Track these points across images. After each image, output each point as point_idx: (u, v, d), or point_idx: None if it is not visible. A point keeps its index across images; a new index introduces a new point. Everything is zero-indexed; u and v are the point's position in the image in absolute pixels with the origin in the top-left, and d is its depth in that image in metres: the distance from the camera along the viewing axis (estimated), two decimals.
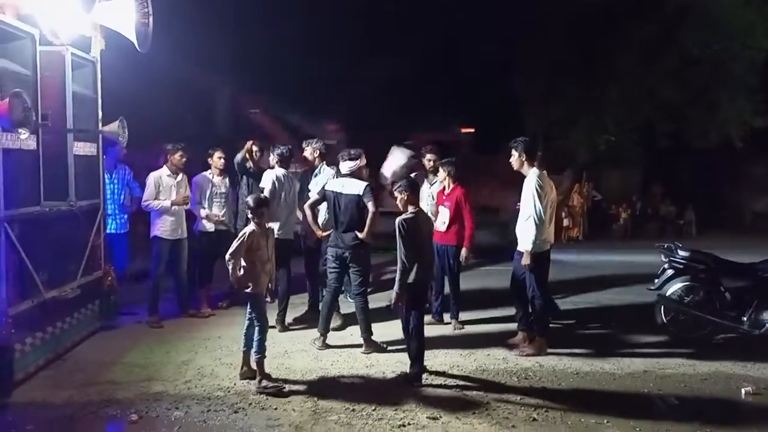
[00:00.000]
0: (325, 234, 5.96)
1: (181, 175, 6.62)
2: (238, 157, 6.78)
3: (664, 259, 6.11)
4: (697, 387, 4.84)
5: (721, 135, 13.72)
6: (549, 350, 5.51)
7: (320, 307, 5.92)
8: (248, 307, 4.83)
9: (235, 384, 4.77)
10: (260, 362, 4.69)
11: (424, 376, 4.88)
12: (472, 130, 13.96)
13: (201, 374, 4.98)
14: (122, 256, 6.92)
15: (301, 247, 6.59)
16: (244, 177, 6.86)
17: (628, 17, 12.93)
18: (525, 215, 5.45)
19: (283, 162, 6.27)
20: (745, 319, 5.67)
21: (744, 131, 13.58)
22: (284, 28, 13.62)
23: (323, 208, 6.06)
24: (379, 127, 11.63)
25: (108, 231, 6.53)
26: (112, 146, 6.42)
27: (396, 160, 6.38)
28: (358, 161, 5.64)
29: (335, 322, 6.03)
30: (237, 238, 4.75)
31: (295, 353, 5.50)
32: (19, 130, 4.32)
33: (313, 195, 5.96)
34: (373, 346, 5.53)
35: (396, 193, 4.96)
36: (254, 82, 12.84)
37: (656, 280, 6.09)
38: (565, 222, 14.19)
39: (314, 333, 5.79)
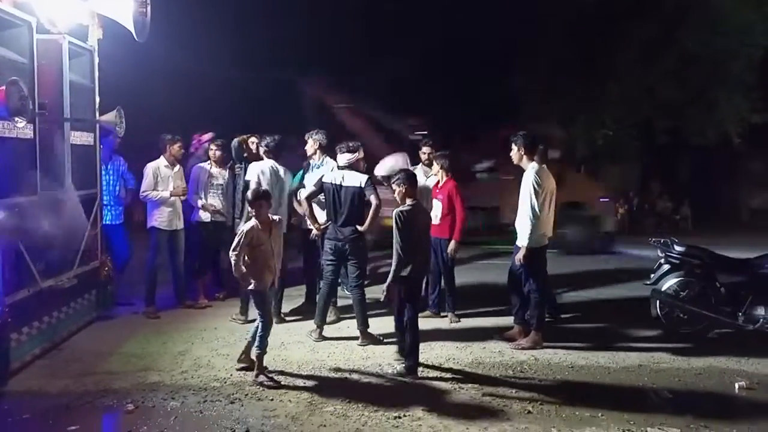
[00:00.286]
0: (323, 227, 5.96)
1: (178, 166, 6.61)
2: (235, 142, 6.76)
3: (660, 254, 6.12)
4: (691, 381, 4.87)
5: (718, 132, 13.74)
6: (544, 344, 5.52)
7: (317, 299, 5.93)
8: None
9: (231, 375, 4.78)
10: (260, 358, 4.68)
11: (420, 368, 4.89)
12: None
13: (197, 365, 4.99)
14: (122, 247, 6.92)
15: (301, 239, 6.57)
16: (243, 165, 6.84)
17: (628, 16, 12.92)
18: (523, 210, 5.46)
19: (271, 153, 6.12)
20: (740, 314, 5.69)
21: (741, 128, 13.60)
22: (371, 25, 13.76)
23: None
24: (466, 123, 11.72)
25: (104, 222, 6.51)
26: (107, 136, 6.39)
27: (395, 162, 6.42)
28: (356, 154, 5.62)
29: (330, 316, 6.04)
30: (238, 234, 4.70)
31: (291, 345, 5.51)
32: (16, 119, 4.30)
33: (309, 187, 5.94)
34: (369, 339, 5.55)
35: (394, 186, 4.96)
36: (340, 77, 12.80)
37: (652, 275, 6.10)
38: None
39: (311, 325, 5.80)
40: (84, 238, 5.54)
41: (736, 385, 4.69)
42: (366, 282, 5.86)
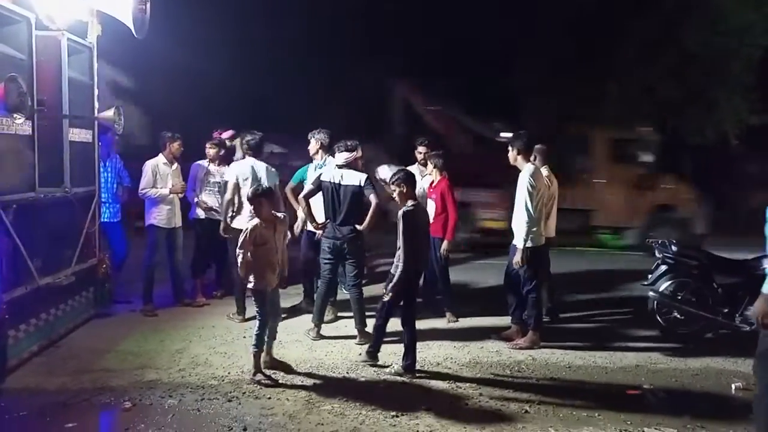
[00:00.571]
0: (321, 225, 5.94)
1: (176, 164, 6.60)
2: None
3: (657, 255, 6.14)
4: (688, 382, 4.88)
5: (717, 132, 13.75)
6: (542, 344, 5.54)
7: (315, 298, 5.93)
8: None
9: (229, 373, 4.78)
10: (256, 356, 4.67)
11: (418, 367, 4.89)
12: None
13: (195, 363, 4.99)
14: (120, 244, 6.91)
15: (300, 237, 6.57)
16: None
17: (627, 16, 12.92)
18: (519, 210, 5.48)
19: (252, 151, 6.00)
20: (737, 315, 5.71)
21: (740, 129, 13.61)
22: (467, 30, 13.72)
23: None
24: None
25: (102, 219, 6.50)
26: (105, 133, 6.38)
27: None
28: (354, 152, 5.61)
29: (328, 315, 6.04)
30: (242, 233, 4.70)
31: (289, 343, 5.51)
32: (15, 115, 4.29)
33: (308, 185, 5.93)
34: (367, 338, 5.54)
35: (393, 187, 4.96)
36: (431, 80, 12.83)
37: (649, 276, 6.12)
38: None
39: (309, 323, 5.80)
40: (82, 235, 5.54)
41: (733, 386, 4.71)
42: (364, 281, 5.85)
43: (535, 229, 5.44)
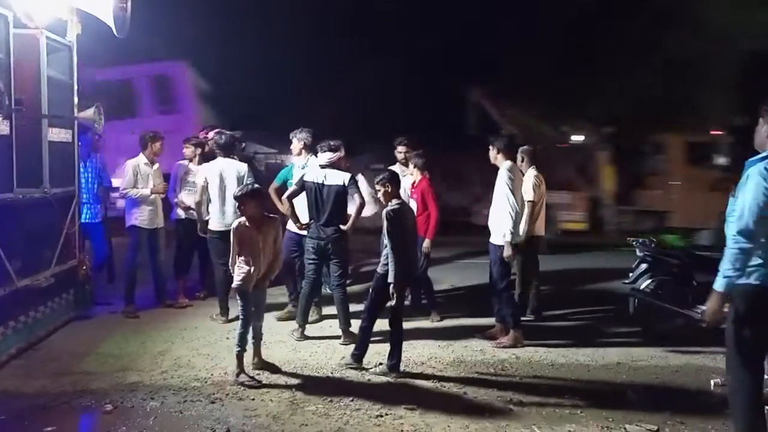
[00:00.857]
0: (305, 225, 5.92)
1: (156, 164, 6.54)
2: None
3: (638, 253, 6.22)
4: (669, 379, 4.95)
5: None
6: (525, 342, 5.58)
7: (299, 299, 5.91)
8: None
9: (212, 374, 4.74)
10: (239, 356, 4.64)
11: (402, 367, 4.90)
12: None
13: (177, 365, 4.94)
14: (102, 245, 6.82)
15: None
16: None
17: (612, 17, 13.09)
18: (499, 208, 5.52)
19: (221, 150, 5.99)
20: None
21: (723, 130, 13.82)
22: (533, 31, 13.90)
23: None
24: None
25: (82, 220, 6.42)
26: (84, 133, 6.30)
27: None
28: (338, 152, 5.61)
29: (312, 315, 6.02)
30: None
31: (273, 344, 5.47)
32: None
33: (291, 186, 5.91)
34: (351, 338, 5.53)
35: (378, 186, 4.96)
36: (499, 81, 13.05)
37: (630, 274, 6.20)
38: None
39: (293, 324, 5.78)
40: (62, 236, 5.46)
41: (712, 382, 4.78)
42: (348, 281, 5.84)
43: (517, 223, 5.51)
